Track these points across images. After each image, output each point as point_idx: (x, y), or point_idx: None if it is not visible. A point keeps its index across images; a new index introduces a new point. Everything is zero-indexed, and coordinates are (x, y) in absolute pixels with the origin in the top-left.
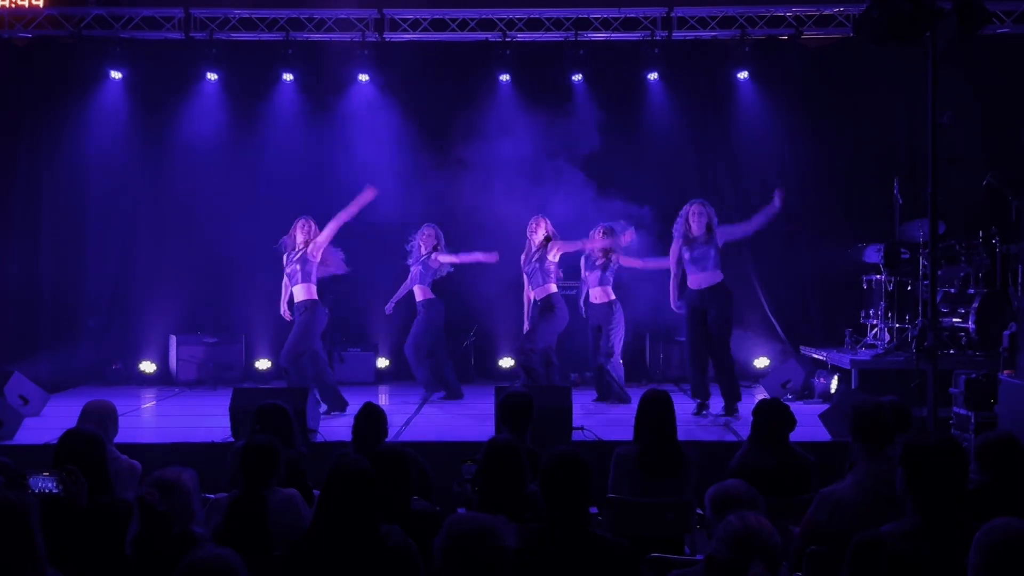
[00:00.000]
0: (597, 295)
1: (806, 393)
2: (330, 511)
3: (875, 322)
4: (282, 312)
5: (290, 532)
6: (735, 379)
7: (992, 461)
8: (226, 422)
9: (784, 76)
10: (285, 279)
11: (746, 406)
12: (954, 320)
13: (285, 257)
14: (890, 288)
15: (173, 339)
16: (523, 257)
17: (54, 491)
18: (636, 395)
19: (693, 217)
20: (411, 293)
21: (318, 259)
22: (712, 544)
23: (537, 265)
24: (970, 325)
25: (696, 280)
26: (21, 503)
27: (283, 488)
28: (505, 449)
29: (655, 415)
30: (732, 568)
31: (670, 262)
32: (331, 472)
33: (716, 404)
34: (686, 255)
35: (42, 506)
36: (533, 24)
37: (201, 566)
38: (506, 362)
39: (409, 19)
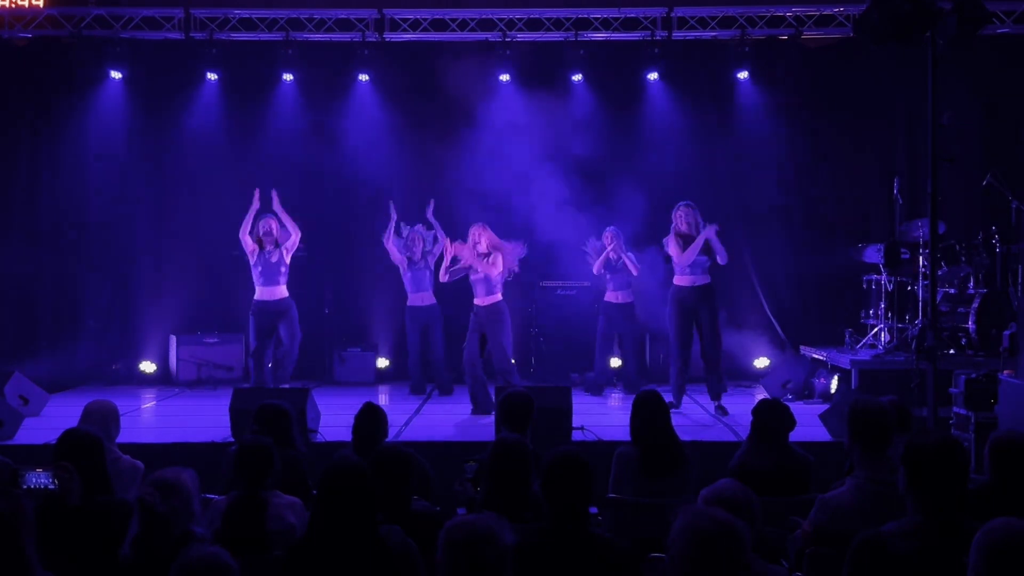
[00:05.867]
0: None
1: (806, 393)
2: (326, 510)
3: (875, 322)
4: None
5: (289, 534)
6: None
7: (1003, 460)
8: (226, 422)
9: (784, 76)
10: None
11: (746, 406)
12: (955, 320)
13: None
14: (890, 288)
15: (173, 339)
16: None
17: (49, 486)
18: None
19: (681, 217)
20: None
21: None
22: (673, 542)
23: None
24: (970, 325)
25: (689, 279)
26: (11, 514)
27: (286, 495)
28: (514, 448)
29: (645, 416)
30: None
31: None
32: (325, 471)
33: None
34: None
35: (38, 506)
36: (533, 24)
37: (194, 564)
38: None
39: (409, 19)
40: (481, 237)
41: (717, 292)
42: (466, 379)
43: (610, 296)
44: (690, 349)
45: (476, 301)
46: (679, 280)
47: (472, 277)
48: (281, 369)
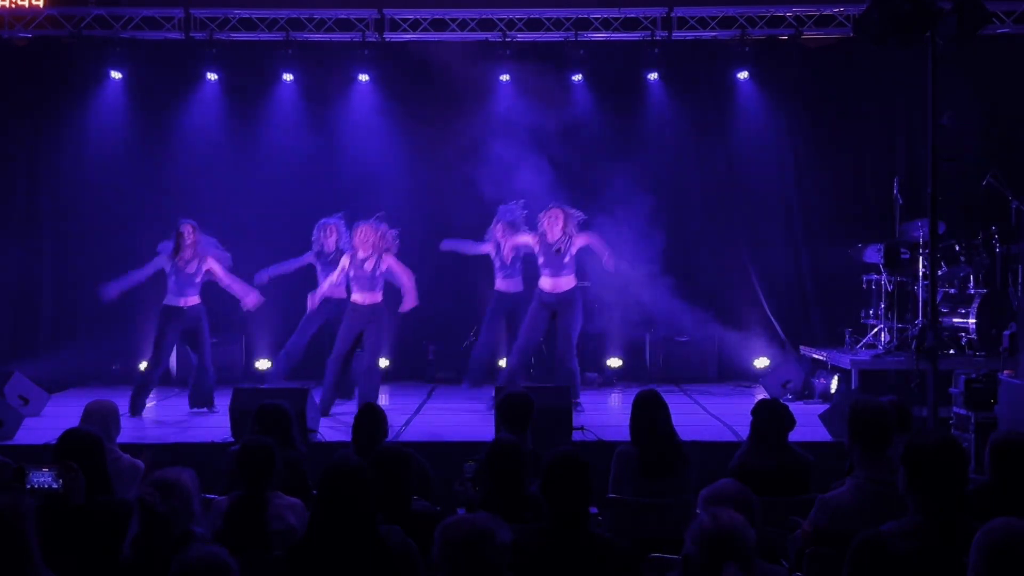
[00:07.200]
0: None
1: (806, 393)
2: (326, 510)
3: (875, 322)
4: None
5: (290, 534)
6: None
7: (1004, 460)
8: (226, 422)
9: (784, 76)
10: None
11: (746, 406)
12: (954, 320)
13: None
14: (890, 288)
15: None
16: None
17: (53, 485)
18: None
19: (549, 221)
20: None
21: None
22: (686, 544)
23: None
24: (970, 325)
25: (550, 283)
26: (14, 508)
27: (287, 496)
28: (509, 448)
29: (646, 416)
30: (707, 569)
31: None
32: (325, 471)
33: None
34: (540, 258)
35: (41, 506)
36: (533, 24)
37: (194, 563)
38: (505, 362)
39: (409, 19)
40: (373, 233)
41: (579, 299)
42: (327, 379)
43: (500, 284)
44: (532, 350)
45: (360, 300)
46: (540, 281)
47: (354, 274)
48: None
